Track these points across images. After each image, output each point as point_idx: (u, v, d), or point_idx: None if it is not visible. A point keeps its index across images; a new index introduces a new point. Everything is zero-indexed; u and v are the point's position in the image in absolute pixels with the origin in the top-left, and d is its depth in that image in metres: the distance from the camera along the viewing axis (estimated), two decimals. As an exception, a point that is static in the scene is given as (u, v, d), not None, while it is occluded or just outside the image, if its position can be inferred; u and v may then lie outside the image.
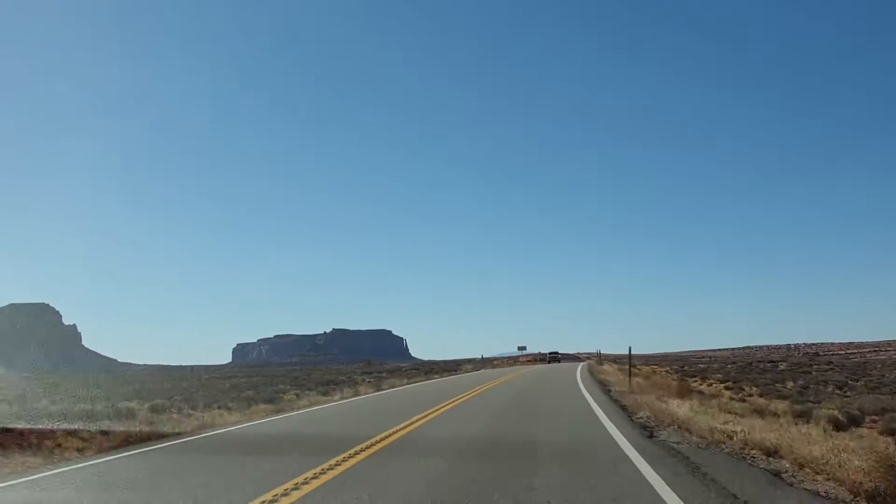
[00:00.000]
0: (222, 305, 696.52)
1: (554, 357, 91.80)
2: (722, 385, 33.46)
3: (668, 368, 51.75)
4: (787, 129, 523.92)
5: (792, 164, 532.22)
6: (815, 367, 57.34)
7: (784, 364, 62.36)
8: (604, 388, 23.58)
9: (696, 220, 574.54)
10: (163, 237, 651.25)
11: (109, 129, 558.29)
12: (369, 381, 31.31)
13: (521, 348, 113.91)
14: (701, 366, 67.11)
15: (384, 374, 43.01)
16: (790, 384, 33.26)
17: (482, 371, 51.60)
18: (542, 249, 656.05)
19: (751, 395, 25.49)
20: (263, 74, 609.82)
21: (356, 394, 23.24)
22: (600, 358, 70.61)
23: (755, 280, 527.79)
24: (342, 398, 21.15)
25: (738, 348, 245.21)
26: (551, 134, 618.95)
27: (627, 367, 28.32)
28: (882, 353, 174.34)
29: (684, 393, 18.77)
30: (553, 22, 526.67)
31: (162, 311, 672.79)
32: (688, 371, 48.09)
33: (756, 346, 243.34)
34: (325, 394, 22.42)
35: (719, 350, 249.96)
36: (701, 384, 33.33)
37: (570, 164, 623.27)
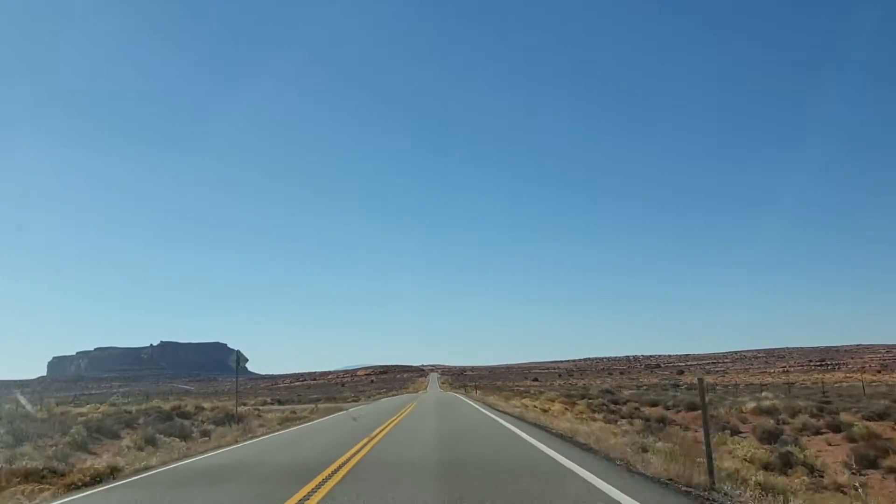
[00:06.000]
0: (36, 313, 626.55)
1: None
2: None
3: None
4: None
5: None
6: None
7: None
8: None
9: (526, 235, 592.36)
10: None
11: None
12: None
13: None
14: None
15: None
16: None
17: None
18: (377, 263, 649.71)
19: None
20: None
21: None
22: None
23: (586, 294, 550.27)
24: None
25: (580, 360, 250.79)
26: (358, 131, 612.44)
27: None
28: (720, 364, 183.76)
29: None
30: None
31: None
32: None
33: (597, 358, 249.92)
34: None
35: (562, 361, 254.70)
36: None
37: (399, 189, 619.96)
